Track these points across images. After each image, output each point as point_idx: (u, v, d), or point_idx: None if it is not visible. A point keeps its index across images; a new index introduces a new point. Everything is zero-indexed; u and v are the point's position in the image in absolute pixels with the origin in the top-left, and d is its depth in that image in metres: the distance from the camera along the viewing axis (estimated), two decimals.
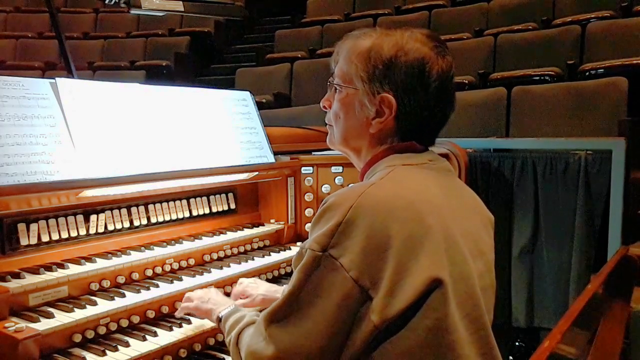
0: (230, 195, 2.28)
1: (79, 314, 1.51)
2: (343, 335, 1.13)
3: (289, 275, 2.16)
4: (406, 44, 1.27)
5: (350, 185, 1.27)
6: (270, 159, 2.29)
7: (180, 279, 1.82)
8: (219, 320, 1.50)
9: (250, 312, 1.44)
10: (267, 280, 2.11)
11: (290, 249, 2.26)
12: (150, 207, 1.97)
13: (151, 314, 1.70)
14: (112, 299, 1.62)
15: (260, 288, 1.78)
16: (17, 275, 1.52)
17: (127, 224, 1.90)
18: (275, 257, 2.14)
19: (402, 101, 1.27)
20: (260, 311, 1.33)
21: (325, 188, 2.39)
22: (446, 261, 1.15)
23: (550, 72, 4.57)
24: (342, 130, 1.37)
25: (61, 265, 1.62)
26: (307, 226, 2.31)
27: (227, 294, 1.81)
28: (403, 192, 1.18)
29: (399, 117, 1.28)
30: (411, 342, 1.11)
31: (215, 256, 2.06)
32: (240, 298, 1.77)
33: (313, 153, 2.48)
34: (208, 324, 1.68)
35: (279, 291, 1.75)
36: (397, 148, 1.31)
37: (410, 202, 1.16)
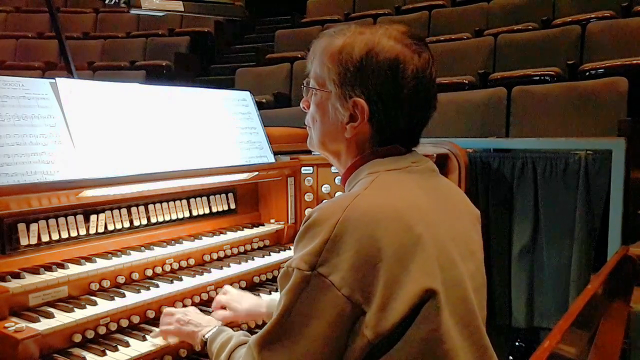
0: (230, 195, 2.28)
1: (79, 314, 1.51)
2: (339, 353, 1.10)
3: None
4: (378, 43, 1.20)
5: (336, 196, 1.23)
6: (271, 159, 2.29)
7: (180, 279, 1.82)
8: (204, 342, 1.46)
9: (237, 332, 1.40)
10: (267, 280, 2.12)
11: (290, 249, 2.26)
12: (150, 207, 1.97)
13: (151, 314, 1.70)
14: (112, 299, 1.62)
15: (245, 303, 1.74)
16: (17, 275, 1.52)
17: (127, 224, 1.90)
18: (275, 257, 2.14)
19: (376, 105, 1.20)
20: (247, 330, 1.26)
21: (325, 188, 2.39)
22: (438, 269, 1.12)
23: (550, 72, 4.57)
24: (319, 133, 1.33)
25: (61, 265, 1.62)
26: None
27: None
28: (389, 202, 1.13)
29: (373, 121, 1.22)
30: (406, 355, 1.08)
31: (215, 256, 2.06)
32: (223, 309, 1.75)
33: (313, 153, 2.47)
34: None
35: (263, 305, 1.72)
36: (378, 153, 1.25)
37: (397, 211, 1.12)
